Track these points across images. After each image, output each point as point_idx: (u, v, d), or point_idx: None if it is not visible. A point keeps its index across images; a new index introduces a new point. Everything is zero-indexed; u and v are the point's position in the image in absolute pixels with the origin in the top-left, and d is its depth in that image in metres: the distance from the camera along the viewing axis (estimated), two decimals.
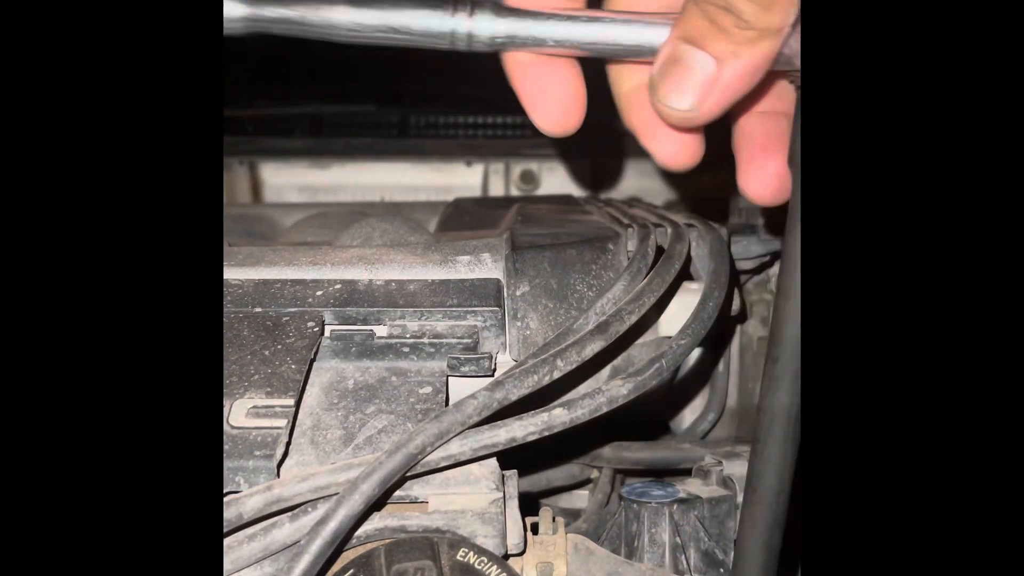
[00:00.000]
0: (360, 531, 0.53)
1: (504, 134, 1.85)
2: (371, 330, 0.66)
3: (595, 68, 0.61)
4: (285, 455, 0.55)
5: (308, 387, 0.62)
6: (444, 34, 0.54)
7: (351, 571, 0.51)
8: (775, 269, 0.95)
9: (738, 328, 0.95)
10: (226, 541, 0.50)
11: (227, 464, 0.52)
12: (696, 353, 0.88)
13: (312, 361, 0.63)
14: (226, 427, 0.55)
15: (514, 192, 1.79)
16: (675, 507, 0.64)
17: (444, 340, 0.65)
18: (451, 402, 0.61)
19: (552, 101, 0.60)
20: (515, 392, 0.56)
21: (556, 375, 0.59)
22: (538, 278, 0.71)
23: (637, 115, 0.59)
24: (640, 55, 0.55)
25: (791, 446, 0.51)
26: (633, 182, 1.78)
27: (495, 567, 0.51)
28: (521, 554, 0.56)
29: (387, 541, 0.52)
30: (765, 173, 0.58)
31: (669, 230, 0.77)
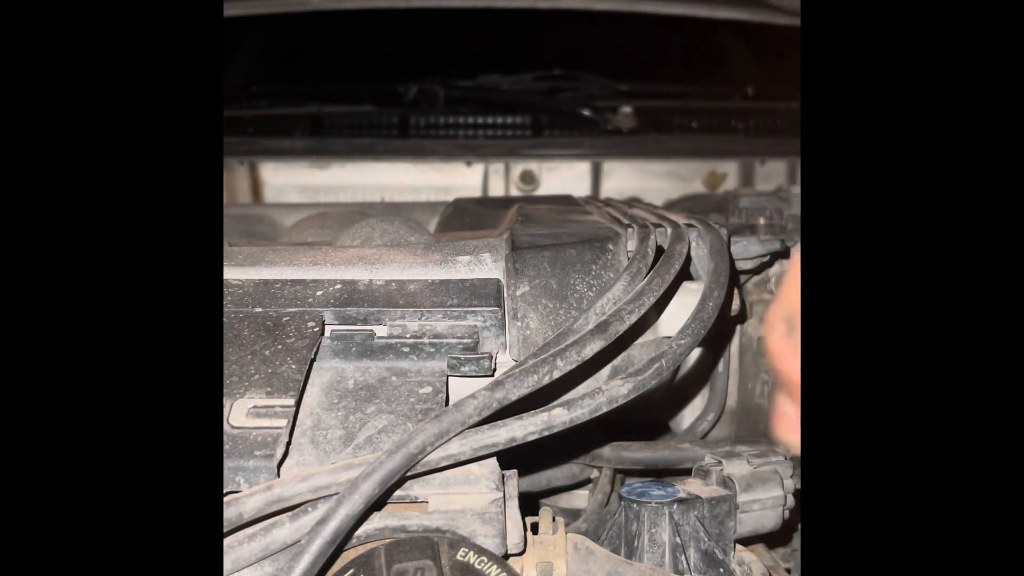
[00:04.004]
0: (360, 531, 0.53)
1: (504, 134, 1.85)
2: (371, 330, 0.66)
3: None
4: (285, 455, 0.55)
5: (308, 387, 0.62)
6: None
7: (351, 571, 0.51)
8: (775, 269, 0.95)
9: (738, 328, 0.95)
10: (226, 541, 0.50)
11: (227, 464, 0.52)
12: (696, 353, 0.88)
13: (312, 361, 0.63)
14: (226, 427, 0.55)
15: (514, 192, 1.79)
16: (675, 507, 0.64)
17: (444, 340, 0.65)
18: (451, 402, 0.61)
19: None
20: (515, 392, 0.57)
21: (556, 375, 0.59)
22: (538, 278, 0.71)
23: None
24: None
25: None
26: (633, 182, 1.78)
27: (495, 567, 0.51)
28: (521, 554, 0.56)
29: (387, 541, 0.52)
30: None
31: (669, 230, 0.77)
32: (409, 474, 0.53)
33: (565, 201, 1.14)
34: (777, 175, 1.77)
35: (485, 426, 0.55)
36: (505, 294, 0.71)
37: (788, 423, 0.56)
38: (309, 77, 2.12)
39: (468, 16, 2.05)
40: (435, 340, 0.65)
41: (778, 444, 0.70)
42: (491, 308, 0.68)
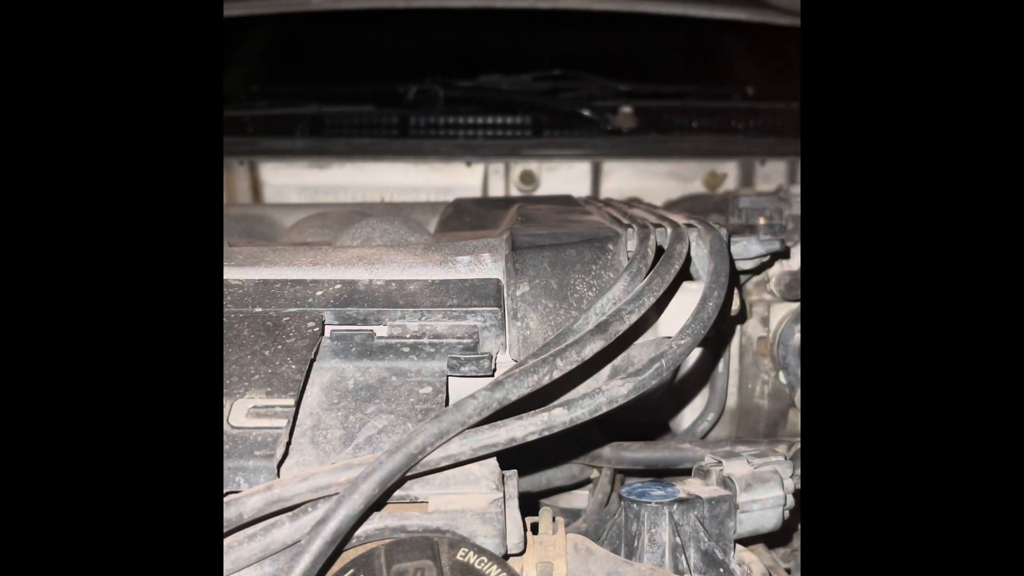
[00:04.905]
0: (360, 531, 0.53)
1: (504, 134, 1.85)
2: (371, 330, 0.66)
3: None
4: (285, 455, 0.55)
5: (308, 387, 0.62)
6: None
7: (351, 571, 0.51)
8: (775, 269, 0.95)
9: (738, 328, 0.95)
10: (226, 541, 0.50)
11: (227, 464, 0.52)
12: (696, 353, 0.88)
13: (312, 361, 0.63)
14: (226, 427, 0.55)
15: (514, 192, 1.79)
16: (675, 507, 0.64)
17: (444, 340, 0.65)
18: (451, 402, 0.61)
19: None
20: (515, 392, 0.57)
21: (556, 375, 0.59)
22: (538, 278, 0.71)
23: None
24: None
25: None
26: (633, 182, 1.78)
27: (495, 567, 0.51)
28: (521, 554, 0.56)
29: (387, 541, 0.52)
30: None
31: (669, 230, 0.77)
32: (409, 474, 0.53)
33: (565, 201, 1.14)
34: (777, 175, 1.77)
35: (485, 426, 0.55)
36: (505, 294, 0.71)
37: None
38: (309, 77, 2.13)
39: (468, 16, 2.05)
40: (435, 340, 0.65)
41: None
42: (491, 308, 0.68)
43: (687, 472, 0.75)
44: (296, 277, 0.72)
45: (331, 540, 0.49)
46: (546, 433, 0.56)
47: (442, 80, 1.93)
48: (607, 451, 0.83)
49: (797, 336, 0.91)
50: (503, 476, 0.57)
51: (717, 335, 0.92)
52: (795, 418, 0.96)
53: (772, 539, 0.75)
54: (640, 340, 0.74)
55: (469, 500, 0.54)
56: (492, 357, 0.65)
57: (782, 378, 0.93)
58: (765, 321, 0.95)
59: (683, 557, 0.64)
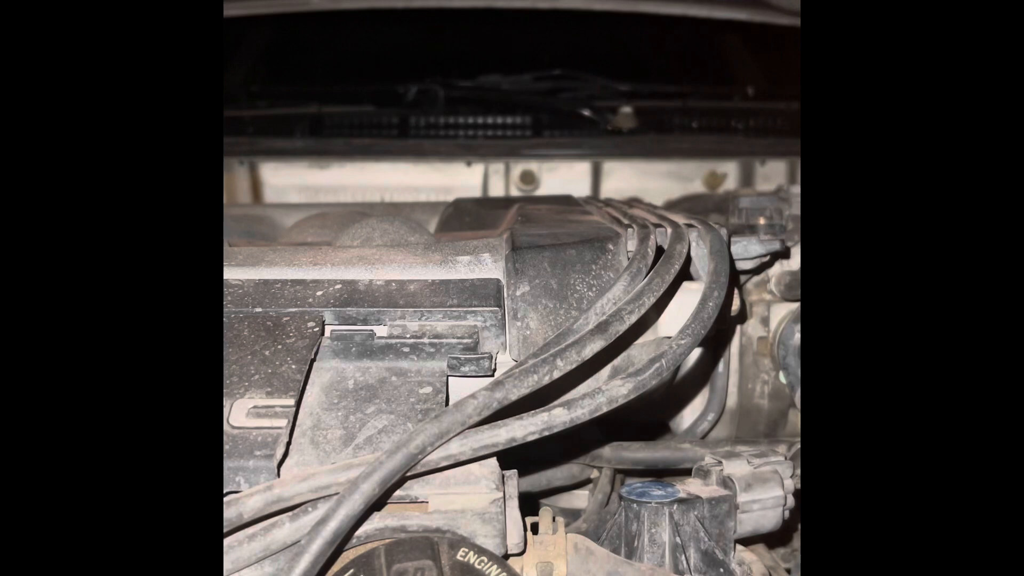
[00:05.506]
0: (360, 531, 0.53)
1: (504, 134, 1.85)
2: (371, 330, 0.66)
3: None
4: (285, 455, 0.55)
5: (308, 387, 0.62)
6: None
7: (351, 571, 0.51)
8: (775, 269, 0.95)
9: (738, 328, 0.95)
10: (226, 541, 0.50)
11: (227, 464, 0.52)
12: (696, 353, 0.88)
13: (312, 361, 0.63)
14: (226, 427, 0.55)
15: (514, 192, 1.79)
16: (675, 507, 0.64)
17: (444, 340, 0.65)
18: (451, 402, 0.61)
19: None
20: (515, 392, 0.57)
21: (556, 375, 0.59)
22: (538, 278, 0.71)
23: None
24: None
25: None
26: (633, 182, 1.78)
27: (495, 567, 0.51)
28: (521, 554, 0.56)
29: (387, 541, 0.52)
30: None
31: (669, 230, 0.77)
32: (409, 474, 0.53)
33: (565, 201, 1.14)
34: (777, 175, 1.77)
35: (485, 426, 0.55)
36: (505, 294, 0.71)
37: None
38: (309, 77, 2.12)
39: (468, 16, 2.05)
40: (435, 340, 0.65)
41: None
42: (491, 308, 0.68)
43: (687, 472, 0.75)
44: (296, 277, 0.72)
45: (331, 540, 0.49)
46: (546, 433, 0.56)
47: (442, 80, 1.93)
48: (607, 451, 0.83)
49: (797, 336, 0.91)
50: (503, 476, 0.57)
51: (717, 335, 0.92)
52: (795, 418, 0.96)
53: (772, 539, 0.75)
54: (640, 340, 0.74)
55: (469, 500, 0.54)
56: (492, 357, 0.65)
57: (782, 378, 0.93)
58: (765, 321, 0.95)
59: (683, 557, 0.64)
